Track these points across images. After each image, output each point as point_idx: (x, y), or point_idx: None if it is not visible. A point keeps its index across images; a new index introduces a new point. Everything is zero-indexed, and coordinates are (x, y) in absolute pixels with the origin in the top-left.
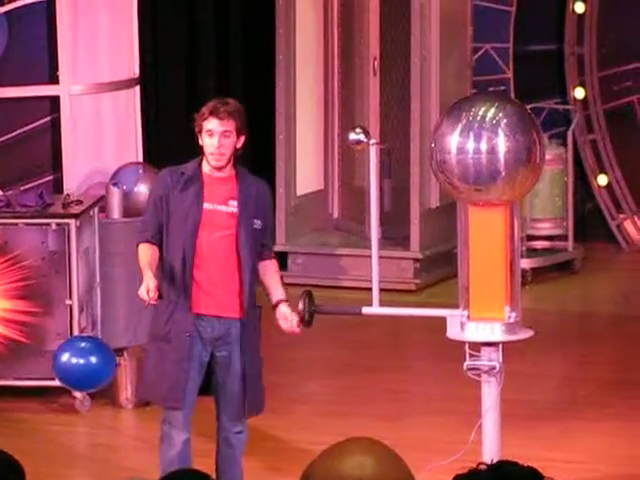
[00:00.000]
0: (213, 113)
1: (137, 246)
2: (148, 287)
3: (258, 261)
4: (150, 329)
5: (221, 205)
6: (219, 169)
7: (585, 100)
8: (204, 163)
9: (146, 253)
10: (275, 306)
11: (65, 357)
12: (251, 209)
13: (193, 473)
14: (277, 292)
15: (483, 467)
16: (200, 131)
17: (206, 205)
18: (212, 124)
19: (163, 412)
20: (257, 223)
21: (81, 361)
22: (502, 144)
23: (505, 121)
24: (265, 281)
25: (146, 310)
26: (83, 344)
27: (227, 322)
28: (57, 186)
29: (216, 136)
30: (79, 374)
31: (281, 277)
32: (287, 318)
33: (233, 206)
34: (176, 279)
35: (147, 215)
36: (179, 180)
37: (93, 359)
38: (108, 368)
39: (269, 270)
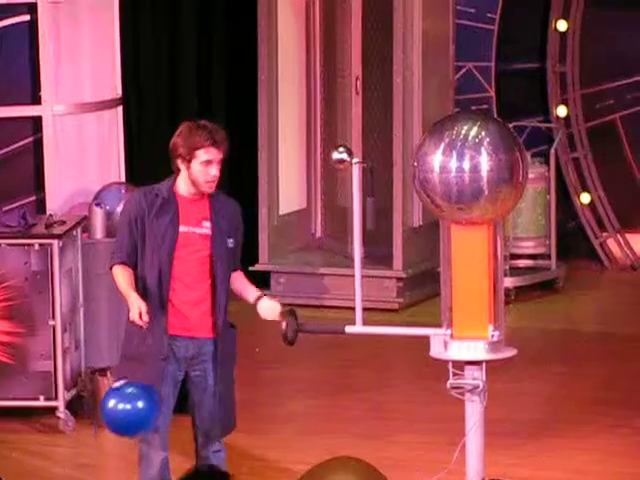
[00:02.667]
0: (214, 144)
1: (111, 268)
2: (140, 310)
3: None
4: (123, 349)
5: (195, 227)
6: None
7: (567, 118)
8: (178, 184)
9: (124, 276)
10: (255, 303)
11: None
12: (224, 229)
13: None
14: (251, 291)
15: None
16: (190, 159)
17: (182, 228)
18: (212, 154)
19: None
20: (230, 242)
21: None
22: (485, 163)
23: (488, 140)
24: (236, 288)
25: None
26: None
27: (200, 342)
28: (40, 206)
29: (215, 165)
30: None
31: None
32: (269, 308)
33: (206, 227)
34: (152, 301)
35: (121, 236)
36: (154, 202)
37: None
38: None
39: (237, 279)
